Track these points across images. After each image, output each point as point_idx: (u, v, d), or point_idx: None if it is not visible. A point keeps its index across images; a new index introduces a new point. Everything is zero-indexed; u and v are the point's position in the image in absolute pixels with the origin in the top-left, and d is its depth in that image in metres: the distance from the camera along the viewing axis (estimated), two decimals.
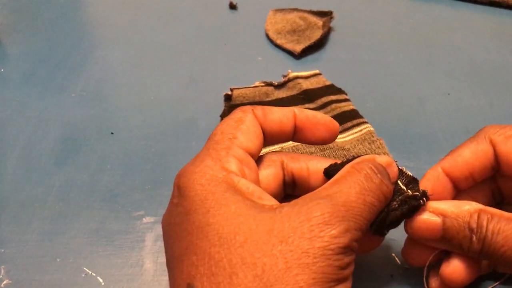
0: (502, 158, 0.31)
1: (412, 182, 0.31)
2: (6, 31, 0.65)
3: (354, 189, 0.27)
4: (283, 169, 0.32)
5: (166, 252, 0.28)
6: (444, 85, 0.55)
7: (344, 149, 0.43)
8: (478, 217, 0.29)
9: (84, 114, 0.51)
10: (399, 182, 0.31)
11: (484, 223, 0.29)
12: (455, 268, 0.31)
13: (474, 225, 0.29)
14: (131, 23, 0.67)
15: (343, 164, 0.30)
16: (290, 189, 0.33)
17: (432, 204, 0.31)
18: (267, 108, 0.32)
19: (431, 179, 0.32)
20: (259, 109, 0.31)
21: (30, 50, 0.61)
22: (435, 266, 0.33)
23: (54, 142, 0.48)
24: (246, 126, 0.30)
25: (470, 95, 0.54)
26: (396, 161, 0.31)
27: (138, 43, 0.63)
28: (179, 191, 0.28)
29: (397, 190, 0.30)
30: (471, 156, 0.32)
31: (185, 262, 0.25)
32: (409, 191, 0.30)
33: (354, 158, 0.31)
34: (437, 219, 0.30)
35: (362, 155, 0.30)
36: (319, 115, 0.33)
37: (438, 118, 0.51)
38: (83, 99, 0.54)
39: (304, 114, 0.32)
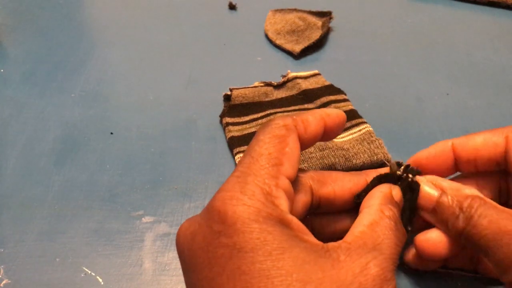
0: (510, 156, 0.32)
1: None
2: (6, 31, 0.65)
3: (392, 240, 0.28)
4: (312, 194, 0.32)
5: (201, 279, 0.26)
6: (443, 85, 0.55)
7: (343, 149, 0.43)
8: (472, 199, 0.30)
9: (84, 114, 0.52)
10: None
11: (475, 205, 0.29)
12: (429, 237, 0.32)
13: (465, 205, 0.30)
14: (131, 23, 0.67)
15: (367, 191, 0.32)
16: (313, 209, 0.33)
17: (436, 180, 0.32)
18: (305, 119, 0.31)
19: (437, 148, 0.34)
20: (300, 123, 0.31)
21: (30, 50, 0.62)
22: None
23: (53, 142, 0.48)
24: (290, 149, 0.29)
25: (469, 95, 0.54)
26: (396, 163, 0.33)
27: (138, 43, 0.63)
28: (226, 221, 0.26)
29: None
30: (482, 142, 0.33)
31: None
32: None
33: (375, 181, 0.33)
34: (434, 192, 0.31)
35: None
36: (339, 113, 0.33)
37: (437, 118, 0.51)
38: (83, 99, 0.54)
39: (331, 118, 0.32)
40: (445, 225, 0.31)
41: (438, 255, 0.32)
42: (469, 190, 0.31)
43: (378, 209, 0.30)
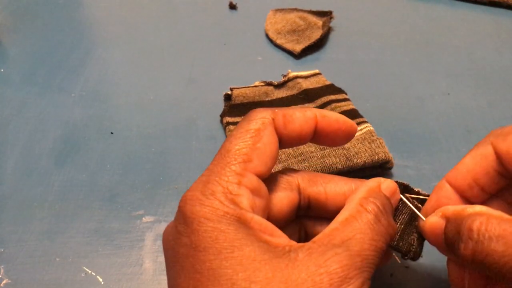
0: (503, 157, 0.29)
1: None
2: (6, 31, 0.65)
3: (367, 235, 0.26)
4: (299, 193, 0.31)
5: (169, 278, 0.27)
6: (444, 85, 0.55)
7: (344, 148, 0.43)
8: (473, 218, 0.26)
9: (84, 114, 0.51)
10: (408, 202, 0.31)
11: (476, 226, 0.26)
12: (435, 221, 0.29)
13: (465, 231, 0.26)
14: (131, 23, 0.67)
15: None
16: (303, 211, 0.32)
17: (443, 208, 0.29)
18: (288, 114, 0.30)
19: (436, 191, 0.31)
20: (280, 117, 0.29)
21: (30, 50, 0.62)
22: None
23: (54, 142, 0.48)
24: (263, 144, 0.28)
25: (470, 95, 0.54)
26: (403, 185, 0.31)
27: (138, 43, 0.63)
28: (186, 220, 0.26)
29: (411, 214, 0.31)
30: (471, 161, 0.30)
31: None
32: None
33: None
34: (441, 220, 0.29)
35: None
36: (341, 119, 0.31)
37: (437, 118, 0.51)
38: (83, 99, 0.54)
39: (326, 120, 0.30)
40: (455, 254, 0.27)
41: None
42: (472, 208, 0.27)
43: (357, 203, 0.28)
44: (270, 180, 0.30)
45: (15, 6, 0.70)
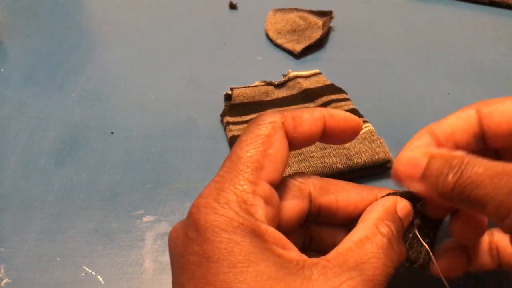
0: (484, 119, 0.30)
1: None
2: (6, 31, 0.65)
3: (380, 260, 0.26)
4: (310, 201, 0.30)
5: (176, 283, 0.27)
6: (444, 85, 0.55)
7: (344, 148, 0.43)
8: (462, 156, 0.27)
9: (84, 114, 0.51)
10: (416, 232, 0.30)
11: (465, 160, 0.26)
12: (464, 219, 0.30)
13: (455, 162, 0.27)
14: (131, 23, 0.67)
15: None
16: (312, 217, 0.31)
17: (423, 148, 0.30)
18: (297, 117, 0.29)
19: (416, 137, 0.32)
20: (289, 120, 0.29)
21: (30, 50, 0.62)
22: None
23: (54, 141, 0.48)
24: (274, 150, 0.27)
25: (470, 95, 0.54)
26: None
27: (138, 43, 0.63)
28: (198, 228, 0.25)
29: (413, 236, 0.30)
30: (453, 118, 0.32)
31: None
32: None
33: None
34: (422, 158, 0.28)
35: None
36: (348, 117, 0.31)
37: (438, 118, 0.50)
38: (83, 99, 0.54)
39: (335, 120, 0.30)
40: (435, 189, 0.28)
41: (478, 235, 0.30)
42: (460, 152, 0.28)
43: (373, 225, 0.28)
44: (281, 186, 0.30)
45: (15, 6, 0.70)
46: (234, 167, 0.27)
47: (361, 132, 0.45)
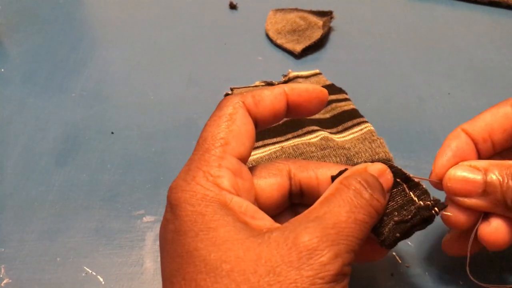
0: None
1: (425, 194, 0.30)
2: (6, 31, 0.65)
3: (344, 208, 0.25)
4: (290, 178, 0.31)
5: (161, 265, 0.28)
6: (444, 85, 0.55)
7: (344, 148, 0.43)
8: None
9: (84, 114, 0.51)
10: (410, 193, 0.29)
11: None
12: (497, 227, 0.29)
13: None
14: (131, 23, 0.67)
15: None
16: (298, 199, 0.32)
17: (470, 162, 0.30)
18: (257, 94, 0.30)
19: (452, 138, 0.32)
20: (249, 98, 0.30)
21: (30, 50, 0.62)
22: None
23: (54, 142, 0.48)
24: (237, 126, 0.28)
25: (470, 95, 0.54)
26: (408, 175, 0.30)
27: (138, 43, 0.63)
28: (171, 208, 0.27)
29: (408, 200, 0.29)
30: (490, 116, 0.32)
31: (175, 285, 0.25)
32: (420, 202, 0.29)
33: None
34: (477, 175, 0.29)
35: (358, 164, 0.29)
36: (310, 87, 0.31)
37: (438, 118, 0.51)
38: (83, 99, 0.54)
39: (296, 91, 0.31)
40: (503, 205, 0.28)
41: (510, 241, 0.29)
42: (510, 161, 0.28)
43: (337, 182, 0.28)
44: (260, 167, 0.31)
45: (15, 6, 0.70)
46: (200, 148, 0.28)
47: (361, 132, 0.46)
